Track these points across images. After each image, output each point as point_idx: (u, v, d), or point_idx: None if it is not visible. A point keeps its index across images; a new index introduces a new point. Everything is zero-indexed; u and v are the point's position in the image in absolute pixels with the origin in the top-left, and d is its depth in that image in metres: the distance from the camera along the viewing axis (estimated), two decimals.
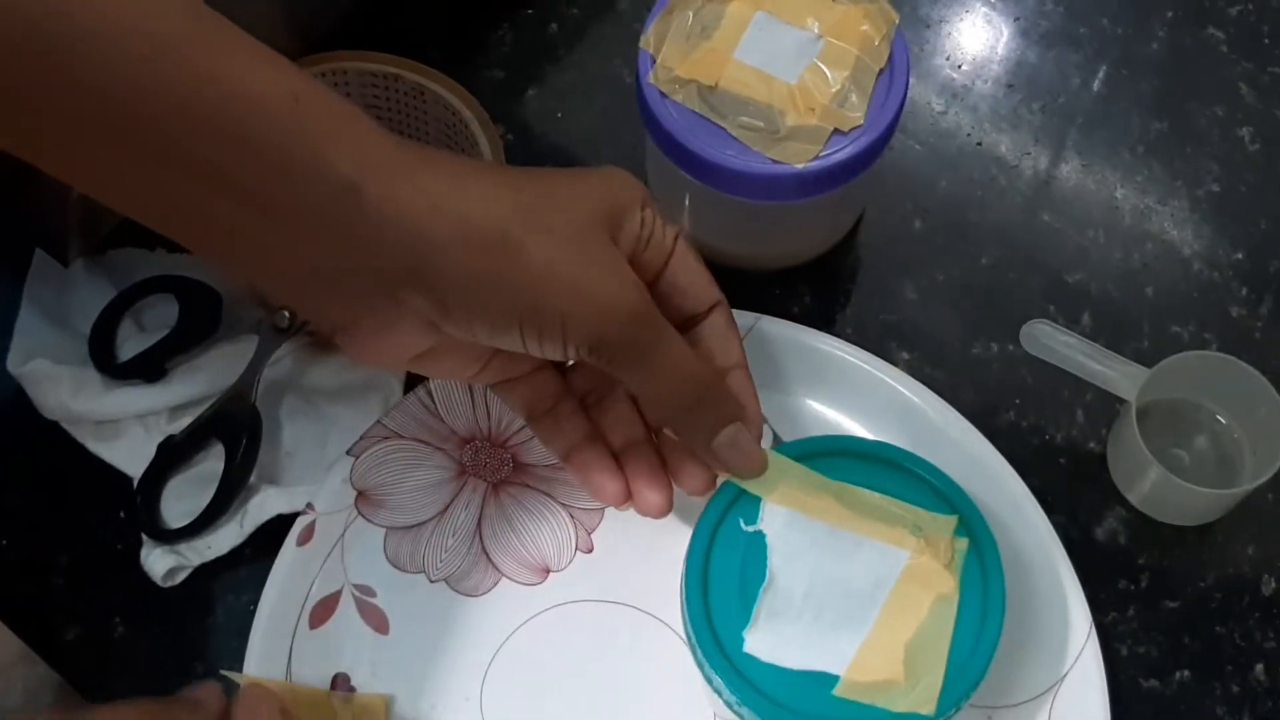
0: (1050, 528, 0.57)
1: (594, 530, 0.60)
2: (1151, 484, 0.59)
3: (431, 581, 0.59)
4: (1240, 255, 0.66)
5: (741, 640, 0.49)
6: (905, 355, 0.63)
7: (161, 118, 0.39)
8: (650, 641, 0.57)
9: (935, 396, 0.60)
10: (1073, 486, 0.61)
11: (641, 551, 0.59)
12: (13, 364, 0.62)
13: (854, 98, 0.58)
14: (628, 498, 0.52)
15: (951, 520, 0.50)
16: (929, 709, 0.47)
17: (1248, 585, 0.59)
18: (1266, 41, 0.71)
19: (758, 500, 0.51)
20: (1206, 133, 0.69)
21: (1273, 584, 0.59)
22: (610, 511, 0.60)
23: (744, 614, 0.49)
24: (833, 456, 0.52)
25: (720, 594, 0.50)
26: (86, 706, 0.47)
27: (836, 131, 0.58)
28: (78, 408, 0.61)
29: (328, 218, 0.41)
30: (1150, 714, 0.57)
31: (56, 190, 0.57)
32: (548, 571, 0.59)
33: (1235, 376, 0.59)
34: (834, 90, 0.58)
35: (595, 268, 0.45)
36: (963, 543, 0.50)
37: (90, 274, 0.64)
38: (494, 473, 0.61)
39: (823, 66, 0.59)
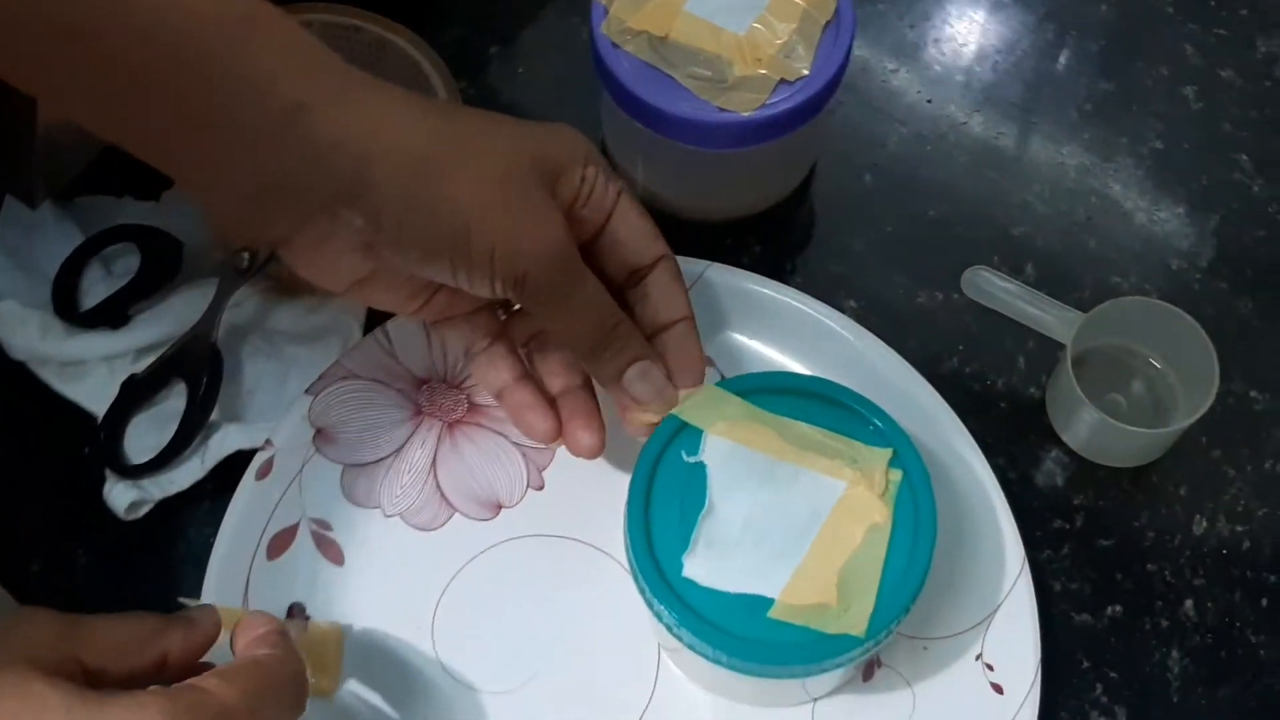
0: (987, 467, 0.59)
1: (545, 468, 0.61)
2: (1087, 426, 0.61)
3: (386, 516, 0.60)
4: (1181, 209, 0.68)
5: (680, 565, 0.51)
6: (852, 304, 0.65)
7: (122, 40, 0.41)
8: (598, 575, 0.59)
9: (878, 341, 0.62)
10: (1012, 430, 0.63)
11: (591, 489, 0.60)
12: None
13: (800, 49, 0.60)
14: (556, 435, 0.54)
15: (886, 453, 0.52)
16: (859, 630, 0.49)
17: (1179, 525, 0.61)
18: (1212, 4, 0.73)
19: (700, 433, 0.53)
20: (1151, 92, 0.71)
21: (1204, 524, 0.61)
22: (561, 450, 0.62)
23: (684, 541, 0.51)
24: (773, 393, 0.54)
25: (661, 522, 0.51)
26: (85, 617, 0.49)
27: (783, 82, 0.59)
28: (45, 350, 0.63)
29: (276, 135, 0.43)
30: (1082, 647, 0.59)
31: (21, 135, 0.58)
32: (499, 507, 0.61)
33: (1167, 321, 0.60)
34: (780, 42, 0.60)
35: (526, 210, 0.48)
36: (896, 474, 0.52)
37: (58, 219, 0.66)
38: (449, 413, 0.62)
39: (771, 19, 0.60)
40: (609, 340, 0.51)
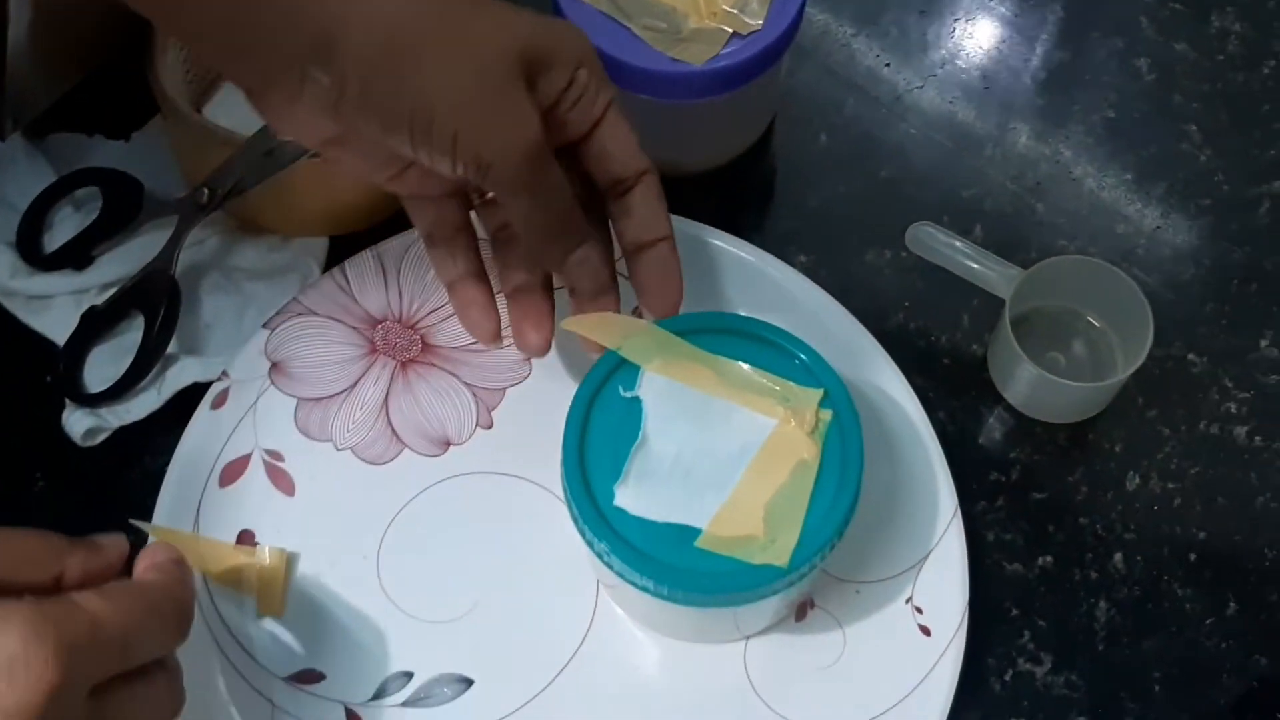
0: (924, 416, 0.61)
1: (495, 408, 0.63)
2: (1024, 382, 0.62)
3: (338, 450, 0.62)
4: (1129, 176, 0.69)
5: (613, 495, 0.52)
6: (803, 258, 0.66)
7: None
8: (541, 513, 0.60)
9: (822, 291, 0.63)
10: (954, 386, 0.64)
11: (539, 429, 0.61)
12: None
13: (754, 4, 0.61)
14: (496, 337, 0.55)
15: (817, 393, 0.53)
16: (783, 562, 0.50)
17: (1113, 481, 0.63)
18: None
19: (637, 369, 0.54)
20: (1106, 63, 0.72)
21: (1137, 480, 0.63)
22: (511, 391, 0.63)
23: (617, 472, 0.52)
24: (710, 333, 0.55)
25: (596, 453, 0.53)
26: None
27: (736, 35, 0.61)
28: (13, 285, 0.64)
29: None
30: (1012, 596, 0.60)
31: None
32: (448, 445, 0.62)
33: (1106, 281, 0.62)
34: None
35: (497, 102, 0.48)
36: (827, 414, 0.53)
37: (29, 155, 0.67)
38: (403, 352, 0.64)
39: None
40: (567, 227, 0.52)
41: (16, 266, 0.64)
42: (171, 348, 0.63)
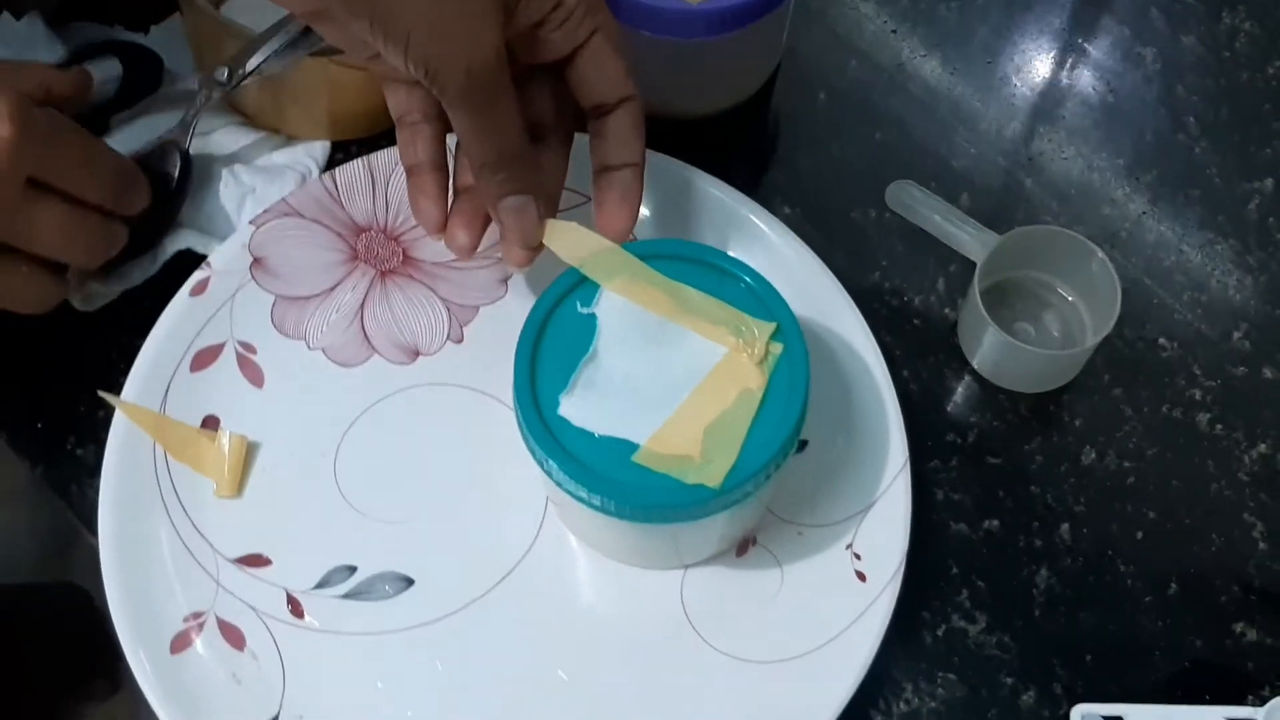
0: (885, 369, 0.61)
1: (467, 324, 0.64)
2: (989, 347, 0.62)
3: (310, 349, 0.63)
4: (1121, 161, 0.69)
5: (558, 404, 0.53)
6: (786, 210, 0.67)
7: None
8: (499, 428, 0.60)
9: (799, 241, 0.64)
10: (921, 347, 0.65)
11: (508, 348, 0.61)
12: None
13: None
14: (441, 229, 0.56)
15: (770, 326, 0.54)
16: (715, 483, 0.50)
17: (1069, 454, 0.63)
18: None
19: (597, 287, 0.55)
20: (1112, 50, 0.72)
21: (1093, 455, 0.63)
22: (485, 309, 0.64)
23: (566, 384, 0.53)
24: (673, 260, 0.56)
25: (548, 364, 0.54)
26: None
27: None
28: None
29: None
30: (954, 555, 0.61)
31: None
32: (417, 354, 0.63)
33: (1080, 254, 0.62)
34: None
35: (459, 10, 0.48)
36: (777, 347, 0.54)
37: (48, 39, 0.69)
38: (383, 262, 0.65)
39: None
40: (502, 164, 0.53)
41: None
42: (178, 216, 0.65)
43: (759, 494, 0.53)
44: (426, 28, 0.48)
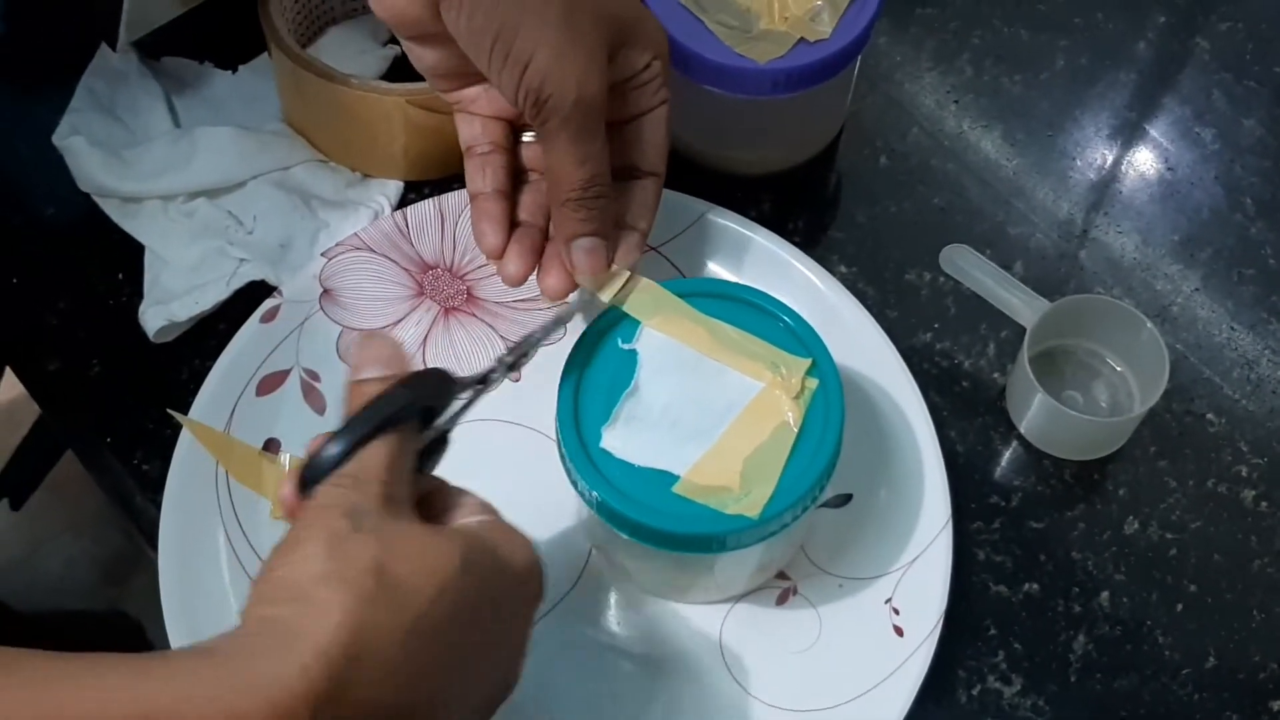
0: (931, 429, 0.62)
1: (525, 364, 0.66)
2: (1037, 412, 0.63)
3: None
4: (1176, 237, 0.70)
5: (600, 436, 0.54)
6: (843, 269, 0.69)
7: None
8: (551, 468, 0.60)
9: (854, 300, 0.65)
10: (969, 409, 0.66)
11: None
12: (57, 136, 0.70)
13: (826, 15, 0.64)
14: (501, 253, 0.58)
15: (805, 362, 0.55)
16: (754, 513, 0.52)
17: (1111, 522, 0.63)
18: (1248, 57, 0.76)
19: (637, 324, 0.57)
20: (1173, 127, 0.74)
21: (1135, 525, 0.63)
22: (543, 351, 0.66)
23: (608, 417, 0.55)
24: (710, 297, 0.57)
25: (590, 398, 0.55)
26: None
27: (803, 41, 0.64)
28: (109, 183, 0.69)
29: None
30: (993, 615, 0.61)
31: None
32: None
33: (1131, 326, 0.63)
34: (809, 6, 0.64)
35: (579, 47, 0.52)
36: (813, 382, 0.55)
37: (141, 75, 0.72)
38: (448, 299, 0.67)
39: None
40: (584, 202, 0.55)
41: (110, 165, 0.68)
42: (245, 255, 0.67)
43: (795, 526, 0.54)
44: (550, 52, 0.51)
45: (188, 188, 0.69)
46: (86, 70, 0.72)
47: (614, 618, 0.61)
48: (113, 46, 0.69)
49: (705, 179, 0.70)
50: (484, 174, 0.59)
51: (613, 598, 0.61)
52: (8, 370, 0.69)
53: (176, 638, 0.58)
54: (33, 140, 0.71)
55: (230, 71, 0.73)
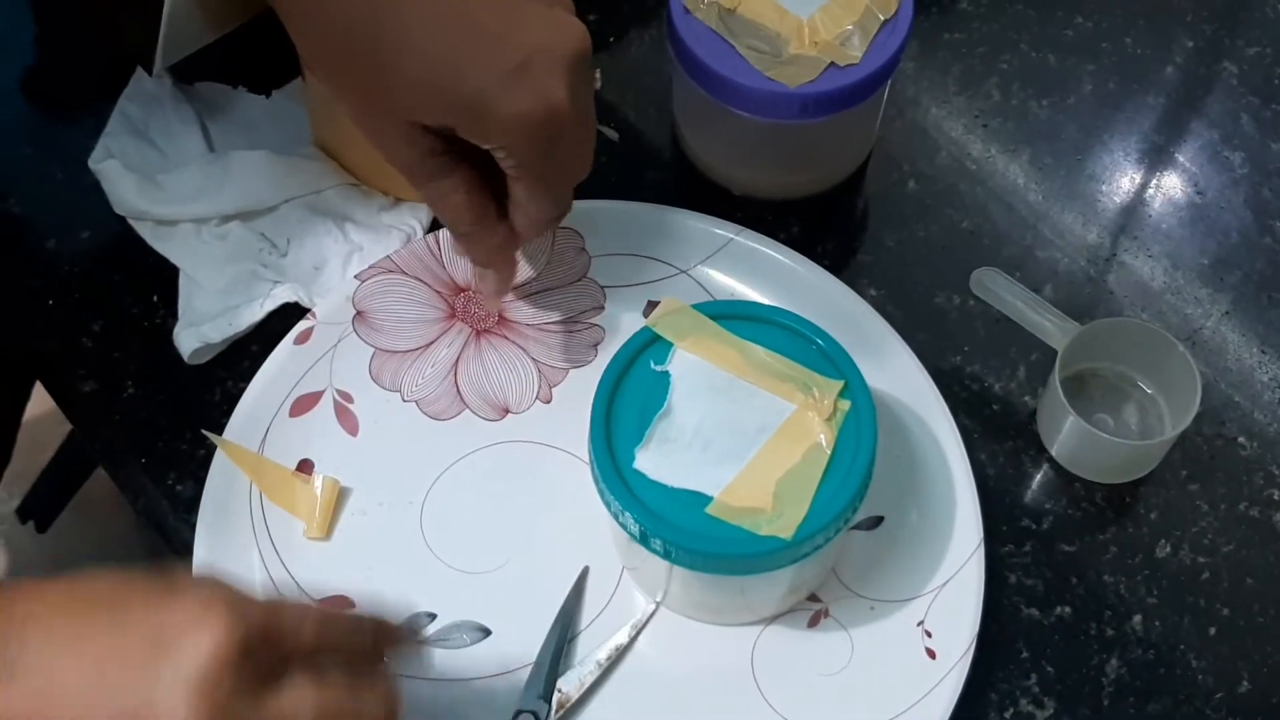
0: (963, 452, 0.62)
1: (556, 385, 0.66)
2: (1069, 435, 0.63)
3: (404, 400, 0.66)
4: (1205, 261, 0.70)
5: (633, 457, 0.55)
6: (873, 292, 0.69)
7: None
8: (583, 490, 0.60)
9: (883, 322, 0.65)
10: (1000, 432, 0.66)
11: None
12: (92, 160, 0.71)
13: (856, 40, 0.64)
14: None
15: (838, 384, 0.56)
16: (787, 535, 0.52)
17: (1143, 546, 0.63)
18: (1276, 82, 0.76)
19: (669, 346, 0.57)
20: (1201, 151, 0.74)
21: (1167, 549, 0.63)
22: (575, 373, 0.66)
23: (640, 438, 0.55)
24: (742, 319, 0.58)
25: (622, 420, 0.56)
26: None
27: (833, 66, 0.64)
28: (143, 206, 0.70)
29: None
30: (1024, 638, 0.61)
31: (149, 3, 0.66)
32: (507, 412, 0.65)
33: (1161, 349, 0.63)
34: (839, 31, 0.65)
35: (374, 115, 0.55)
36: (845, 404, 0.55)
37: (175, 100, 0.73)
38: (480, 321, 0.67)
39: (835, 9, 0.65)
40: (454, 236, 0.60)
41: (144, 188, 0.69)
42: (278, 278, 0.68)
43: (827, 548, 0.54)
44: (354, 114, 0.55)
45: (221, 211, 0.69)
46: (122, 95, 0.73)
47: (646, 639, 0.61)
48: (148, 71, 0.70)
49: (734, 203, 0.71)
50: (490, 238, 0.62)
51: (645, 620, 0.61)
52: (34, 392, 0.69)
53: None
54: (68, 164, 0.71)
55: (264, 96, 0.74)
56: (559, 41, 0.53)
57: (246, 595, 0.46)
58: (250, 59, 0.74)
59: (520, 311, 0.68)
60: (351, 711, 0.47)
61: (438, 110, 0.53)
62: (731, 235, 0.68)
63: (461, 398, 0.66)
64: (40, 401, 0.70)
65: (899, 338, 0.65)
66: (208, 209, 0.69)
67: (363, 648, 0.49)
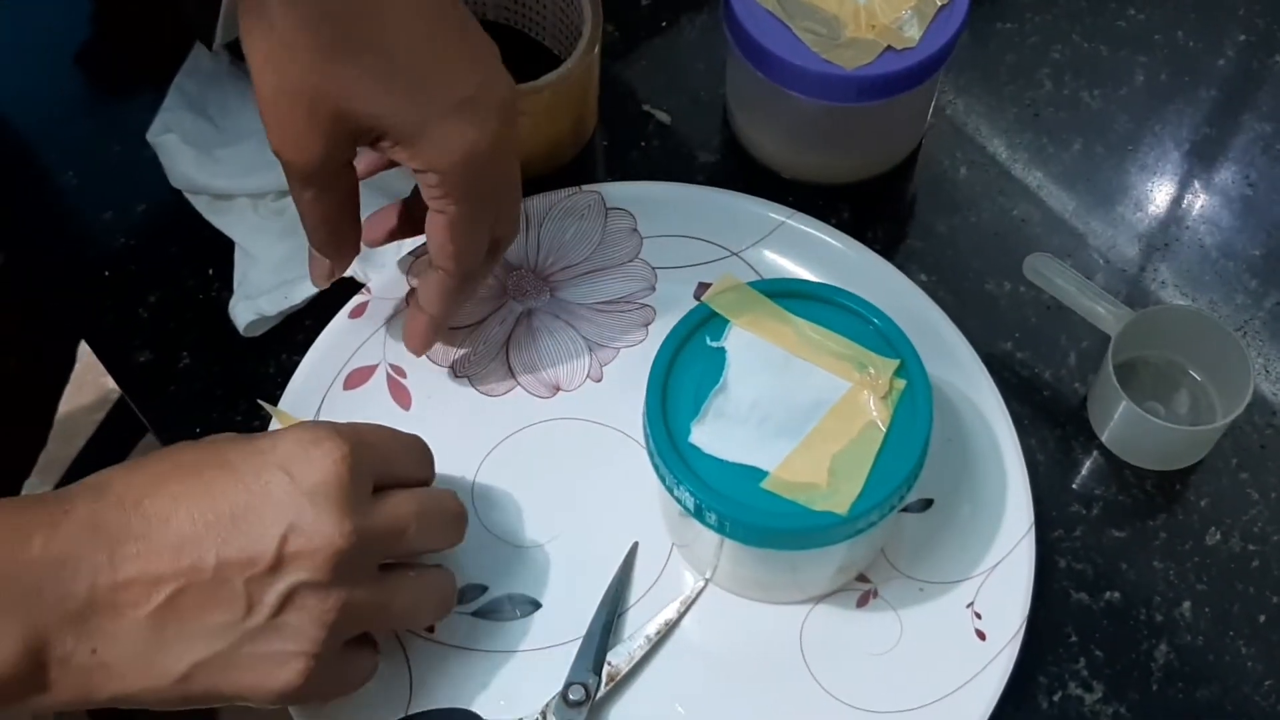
0: (1014, 436, 0.63)
1: (607, 364, 0.66)
2: (1120, 420, 0.63)
3: (456, 376, 0.66)
4: (1257, 253, 0.70)
5: (689, 432, 0.55)
6: (924, 277, 0.69)
7: None
8: (634, 467, 0.61)
9: (936, 308, 0.65)
10: (1051, 418, 0.66)
11: (645, 388, 0.65)
12: (151, 133, 0.71)
13: (913, 24, 0.65)
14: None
15: (893, 363, 0.56)
16: (842, 510, 0.52)
17: (1194, 533, 0.63)
18: None
19: (726, 323, 0.57)
20: (1252, 145, 0.74)
21: (1217, 536, 0.63)
22: (625, 351, 0.67)
23: (695, 412, 0.55)
24: (798, 297, 0.58)
25: (678, 395, 0.56)
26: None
27: (890, 49, 0.64)
28: (201, 180, 0.70)
29: None
30: (1074, 623, 0.61)
31: None
32: (558, 389, 0.66)
33: (1214, 336, 0.63)
34: (896, 15, 0.65)
35: (292, 122, 0.54)
36: (901, 383, 0.56)
37: (233, 76, 0.74)
38: (532, 300, 0.68)
39: None
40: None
41: (201, 163, 0.70)
42: None
43: (880, 526, 0.54)
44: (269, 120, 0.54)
45: (278, 186, 0.70)
46: (179, 71, 0.73)
47: (694, 616, 0.61)
48: (208, 47, 0.71)
49: (786, 188, 0.71)
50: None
51: (694, 596, 0.61)
52: (67, 389, 0.70)
53: None
54: (125, 138, 0.72)
55: None
56: (501, 85, 0.56)
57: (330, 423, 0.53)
58: None
59: (572, 291, 0.68)
60: (438, 509, 0.55)
61: (383, 107, 0.54)
62: (784, 219, 0.68)
63: (513, 374, 0.66)
64: (72, 396, 0.71)
65: (950, 322, 0.65)
66: (264, 184, 0.70)
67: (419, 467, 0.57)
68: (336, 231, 0.60)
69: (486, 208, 0.58)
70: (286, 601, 0.49)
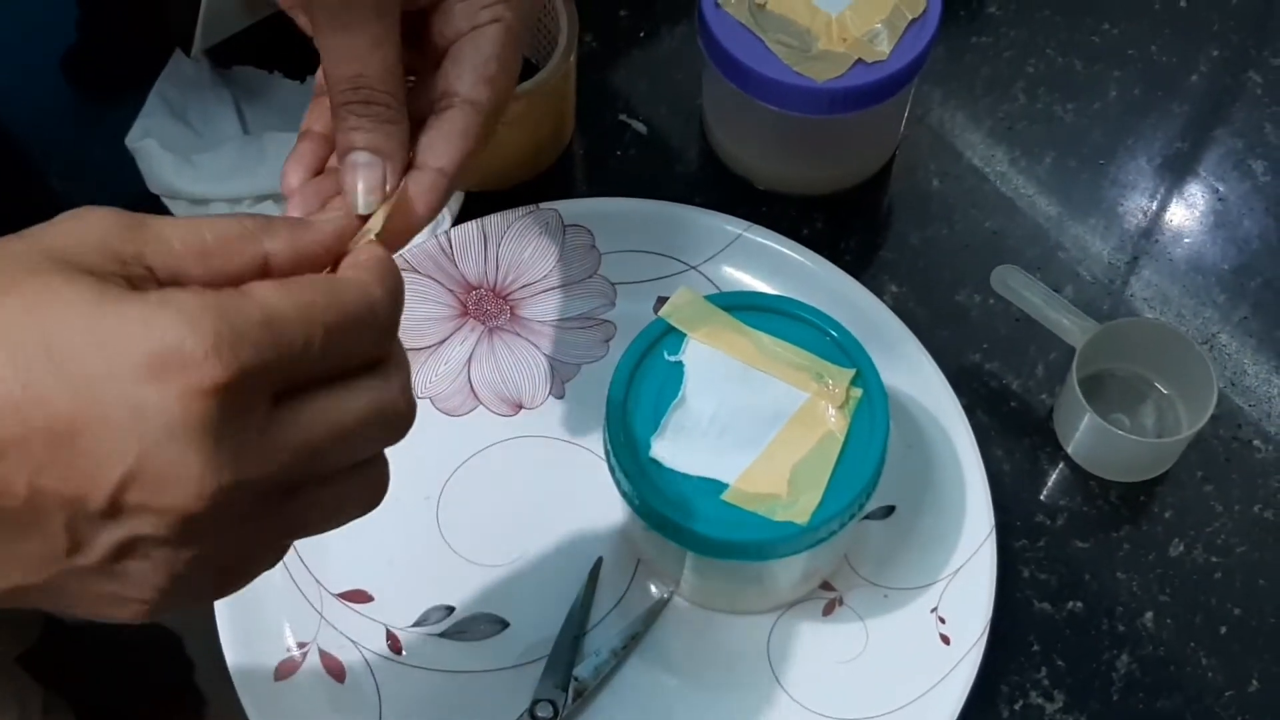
0: (974, 444, 0.63)
1: (568, 381, 0.67)
2: (1085, 432, 0.64)
3: (418, 397, 0.66)
4: (1226, 266, 0.71)
5: (649, 446, 0.55)
6: (894, 288, 0.70)
7: None
8: (597, 482, 0.60)
9: (895, 318, 0.66)
10: (1017, 429, 0.67)
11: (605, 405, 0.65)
12: (130, 139, 0.72)
13: (884, 37, 0.65)
14: (292, 191, 0.49)
15: (849, 372, 0.56)
16: (803, 520, 0.53)
17: (1157, 544, 0.64)
18: None
19: (684, 336, 0.58)
20: (1224, 158, 0.74)
21: (1181, 548, 0.64)
22: (586, 368, 0.67)
23: (655, 427, 0.55)
24: (755, 310, 0.58)
25: (637, 409, 0.56)
26: None
27: (861, 62, 0.65)
28: (179, 185, 0.71)
29: None
30: (1036, 632, 0.62)
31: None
32: (520, 407, 0.66)
33: (1179, 349, 0.64)
34: (868, 28, 0.65)
35: None
36: (857, 392, 0.56)
37: (213, 84, 0.74)
38: (492, 319, 0.68)
39: (864, 6, 0.66)
40: (351, 108, 0.45)
41: (180, 168, 0.70)
42: None
43: (842, 534, 0.55)
44: None
45: (255, 192, 0.70)
46: (160, 77, 0.74)
47: (661, 628, 0.61)
48: (187, 53, 0.71)
49: (759, 199, 0.72)
50: (316, 114, 0.49)
51: (659, 609, 0.62)
52: None
53: (231, 652, 0.59)
54: (106, 143, 0.73)
55: (298, 81, 0.75)
56: None
57: (236, 299, 0.35)
58: (286, 45, 0.74)
59: (532, 308, 0.69)
60: (375, 417, 0.40)
61: None
62: (740, 231, 0.69)
63: (475, 394, 0.67)
64: None
65: (907, 329, 0.66)
66: (242, 189, 0.70)
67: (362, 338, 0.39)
68: (396, 95, 0.46)
69: (528, 26, 0.50)
70: (122, 551, 0.36)
